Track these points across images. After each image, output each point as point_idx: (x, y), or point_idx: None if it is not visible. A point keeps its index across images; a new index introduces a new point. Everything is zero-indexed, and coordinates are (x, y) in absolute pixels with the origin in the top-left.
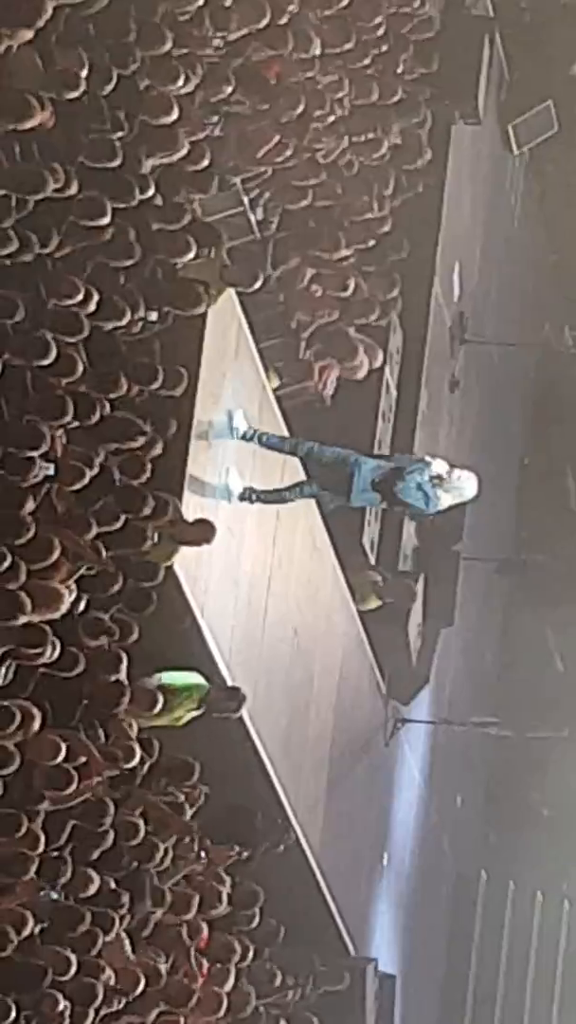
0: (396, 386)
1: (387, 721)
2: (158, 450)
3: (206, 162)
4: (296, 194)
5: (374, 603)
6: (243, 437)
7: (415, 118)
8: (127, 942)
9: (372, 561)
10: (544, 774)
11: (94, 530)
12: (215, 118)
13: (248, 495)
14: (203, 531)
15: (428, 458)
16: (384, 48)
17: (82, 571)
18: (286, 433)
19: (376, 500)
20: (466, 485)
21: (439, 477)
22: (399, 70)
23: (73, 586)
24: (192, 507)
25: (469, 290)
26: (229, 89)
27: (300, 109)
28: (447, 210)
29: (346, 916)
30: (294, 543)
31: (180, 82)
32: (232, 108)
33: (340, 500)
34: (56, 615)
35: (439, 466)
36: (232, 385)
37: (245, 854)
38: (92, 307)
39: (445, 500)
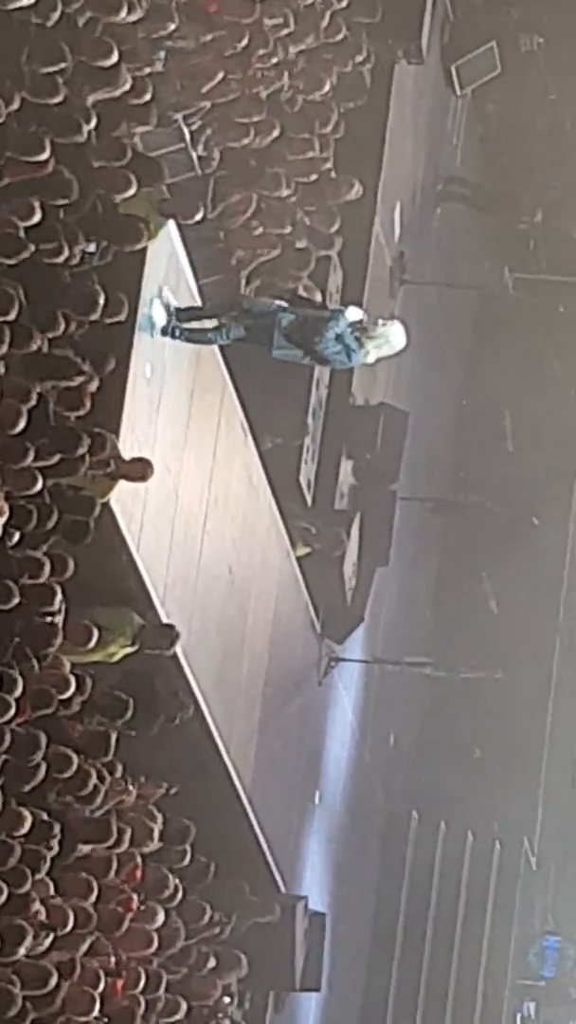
0: None
1: (321, 660)
2: (95, 387)
3: (148, 96)
4: (238, 131)
5: (302, 550)
6: (164, 332)
7: (358, 57)
8: (51, 884)
9: (308, 500)
10: (476, 715)
11: (29, 457)
12: (161, 53)
13: (172, 330)
14: (141, 468)
15: (341, 307)
16: None
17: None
18: None
19: (298, 355)
20: (392, 333)
21: (359, 326)
22: (343, 6)
23: (5, 513)
24: (129, 443)
25: (410, 230)
26: (172, 26)
27: (244, 43)
28: (388, 150)
29: (277, 854)
30: (230, 481)
31: (123, 13)
32: (175, 43)
33: (263, 350)
34: None
35: (353, 313)
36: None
37: (173, 790)
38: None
39: (372, 353)
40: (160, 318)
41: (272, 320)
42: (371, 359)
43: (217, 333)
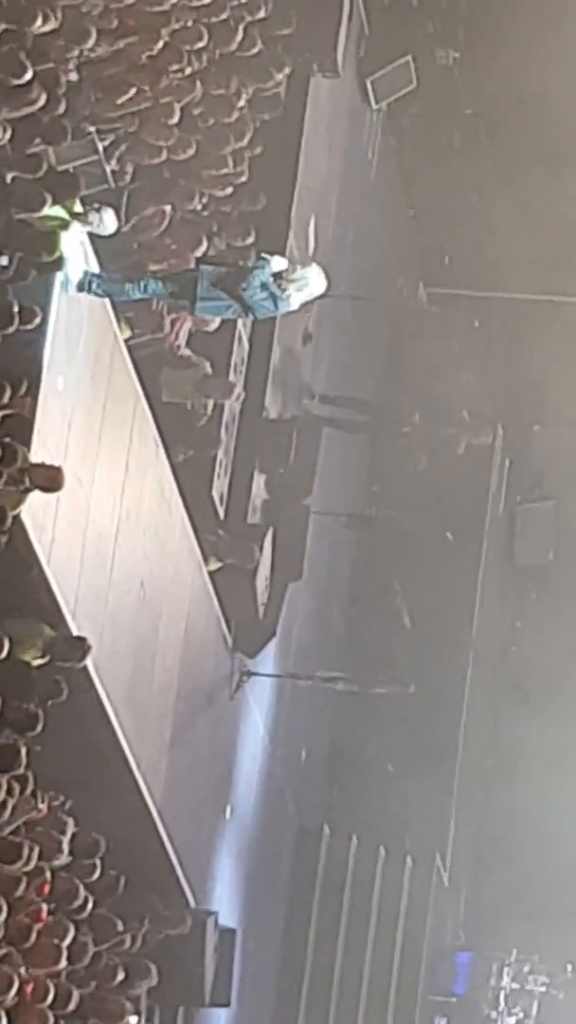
0: (248, 339)
1: (233, 674)
2: (7, 399)
3: (62, 109)
4: (150, 150)
5: (214, 565)
6: (80, 287)
7: (273, 70)
8: None
9: (221, 514)
10: (389, 730)
11: None
12: (71, 64)
13: (87, 283)
14: (52, 476)
15: (266, 255)
16: (243, 0)
17: None
18: None
19: (222, 307)
20: (310, 274)
21: (281, 275)
22: (258, 16)
23: None
24: (41, 456)
25: (324, 244)
26: (88, 37)
27: (156, 54)
28: (303, 163)
29: (187, 868)
30: (143, 494)
31: (39, 22)
32: (90, 53)
33: (184, 305)
34: None
35: (278, 263)
36: (86, 331)
37: (81, 802)
38: None
39: (295, 298)
40: (76, 274)
41: (194, 276)
42: (295, 304)
43: (134, 286)
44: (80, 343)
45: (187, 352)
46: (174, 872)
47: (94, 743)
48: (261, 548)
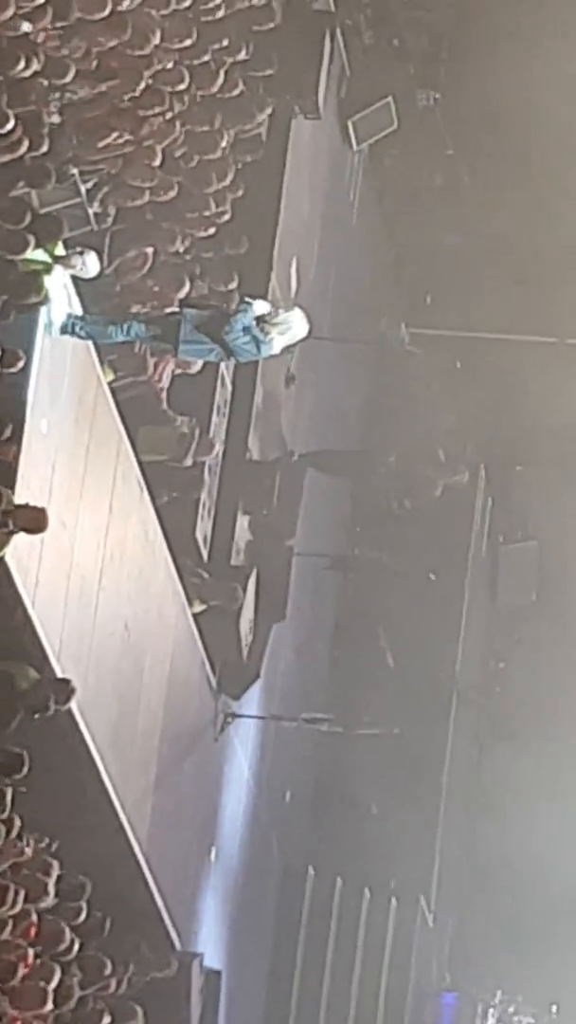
0: (231, 380)
1: (217, 716)
2: None
3: (44, 151)
4: (132, 192)
5: (198, 607)
6: (63, 329)
7: (255, 112)
8: None
9: (205, 556)
10: (373, 771)
11: None
12: (53, 107)
13: (71, 326)
14: (36, 518)
15: (249, 299)
16: (225, 43)
17: None
18: None
19: (205, 350)
20: (293, 318)
21: (263, 319)
22: (239, 58)
23: None
24: (24, 499)
25: (306, 285)
26: (69, 77)
27: (138, 97)
28: (285, 204)
29: (173, 910)
30: (126, 536)
31: (21, 65)
32: (72, 96)
33: (167, 348)
34: None
35: (260, 306)
36: (69, 374)
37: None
38: None
39: (278, 342)
40: (59, 317)
41: (176, 320)
42: (277, 348)
43: (117, 329)
44: (64, 385)
45: (165, 407)
46: (159, 914)
47: (79, 785)
48: (245, 589)
